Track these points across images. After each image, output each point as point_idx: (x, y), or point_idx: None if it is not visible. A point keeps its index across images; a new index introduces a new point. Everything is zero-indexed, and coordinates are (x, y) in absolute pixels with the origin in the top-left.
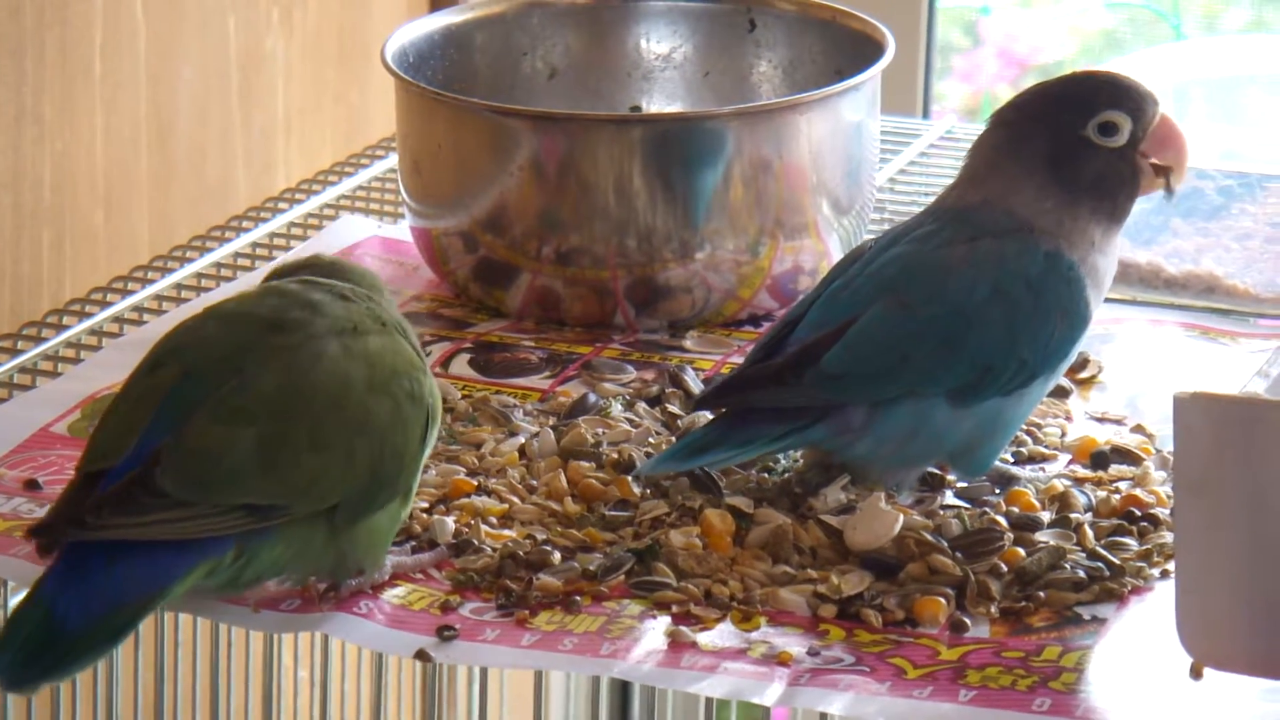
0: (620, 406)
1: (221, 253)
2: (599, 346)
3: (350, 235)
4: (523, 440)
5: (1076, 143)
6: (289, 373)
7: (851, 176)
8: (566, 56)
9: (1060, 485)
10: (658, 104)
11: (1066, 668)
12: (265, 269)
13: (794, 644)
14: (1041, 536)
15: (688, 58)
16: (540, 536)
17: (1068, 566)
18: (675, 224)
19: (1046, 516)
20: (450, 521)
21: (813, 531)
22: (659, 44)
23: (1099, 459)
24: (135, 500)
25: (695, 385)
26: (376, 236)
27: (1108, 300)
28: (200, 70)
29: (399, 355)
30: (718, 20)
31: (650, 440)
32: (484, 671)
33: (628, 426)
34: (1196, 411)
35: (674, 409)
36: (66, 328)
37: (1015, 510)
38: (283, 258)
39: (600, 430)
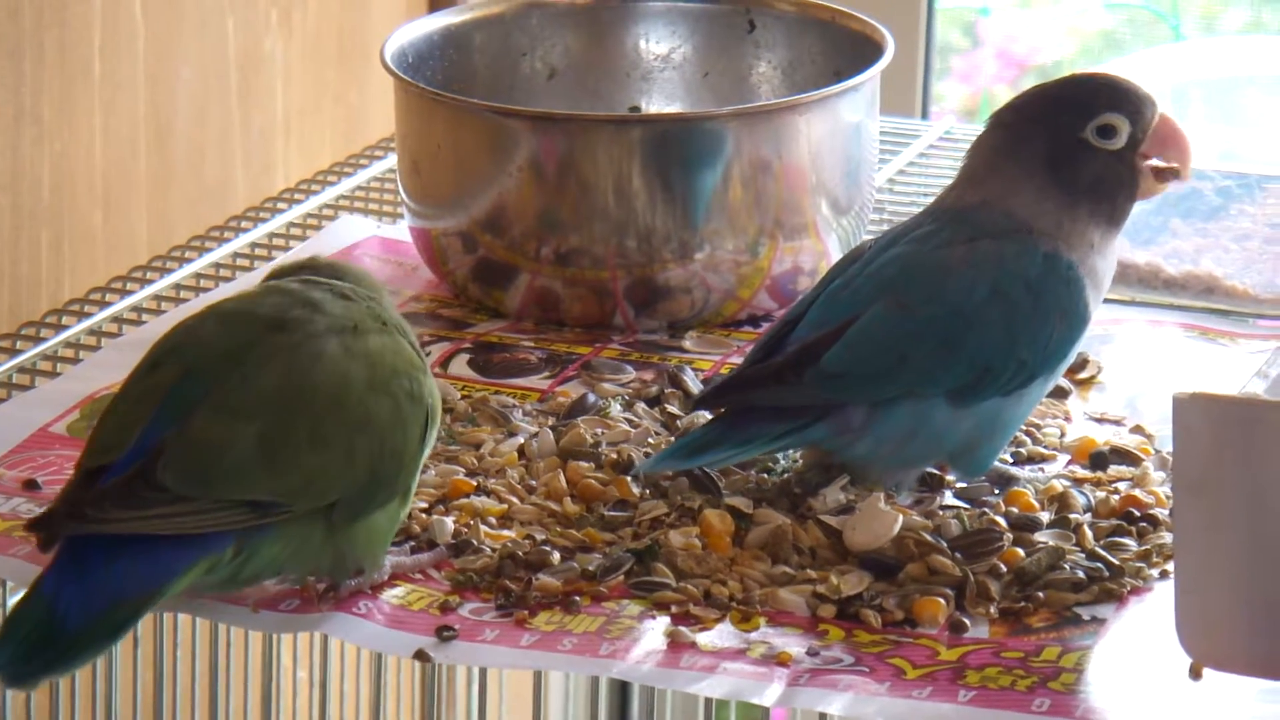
0: (619, 407)
1: (220, 253)
2: (598, 347)
3: (349, 236)
4: (522, 440)
5: (1075, 145)
6: (290, 371)
7: (851, 177)
8: (566, 57)
9: (1059, 486)
10: (657, 104)
11: (1066, 668)
12: (264, 269)
13: (793, 644)
14: (1041, 537)
15: (687, 58)
16: (539, 537)
17: (1067, 567)
18: (674, 224)
19: (1046, 517)
20: (449, 522)
21: (812, 532)
22: (658, 44)
23: (1098, 459)
24: (136, 494)
25: (694, 386)
26: (376, 237)
27: (1107, 301)
28: (199, 71)
29: (399, 355)
30: (717, 21)
31: (649, 440)
32: (483, 672)
33: (627, 427)
34: (1196, 412)
35: (673, 409)
36: (65, 328)
37: (1014, 511)
38: (281, 259)
39: (599, 430)
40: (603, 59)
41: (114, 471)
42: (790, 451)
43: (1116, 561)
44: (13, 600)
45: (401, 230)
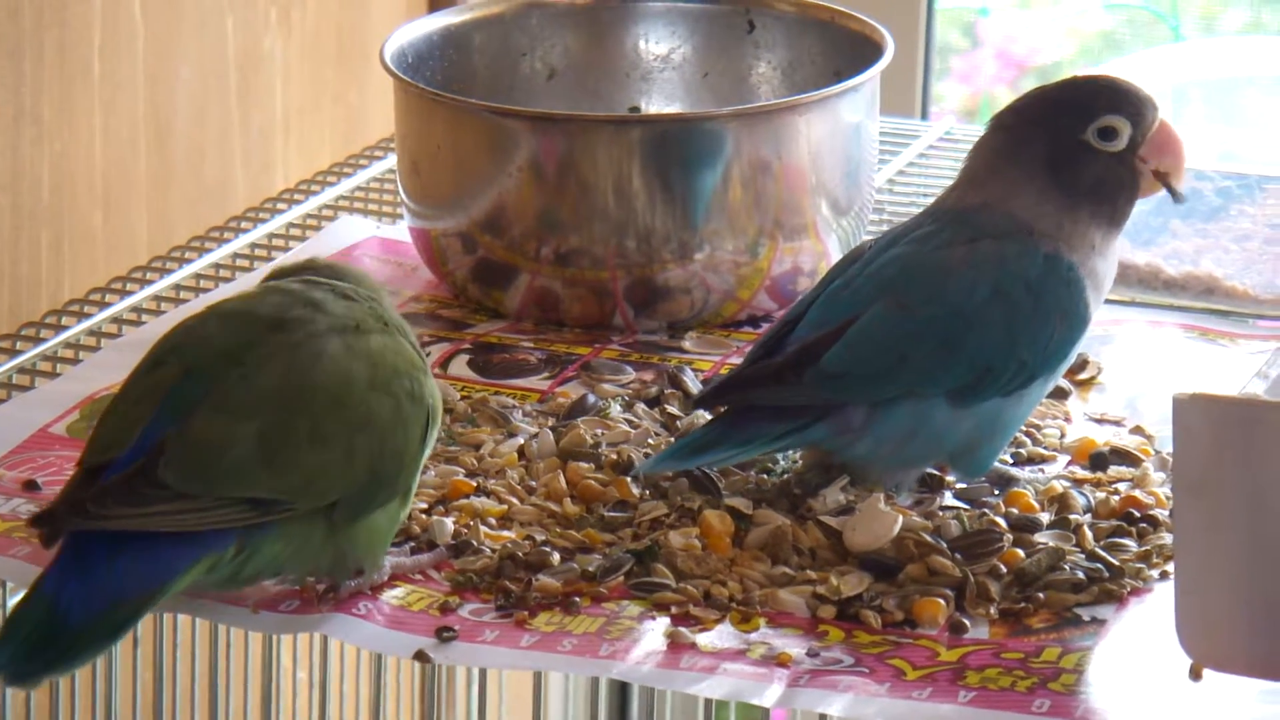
0: (619, 407)
1: (220, 253)
2: (598, 347)
3: (349, 236)
4: (522, 441)
5: (1076, 147)
6: (291, 369)
7: (850, 177)
8: (565, 57)
9: (1059, 486)
10: (656, 105)
11: (1066, 669)
12: (264, 270)
13: (793, 645)
14: (1041, 538)
15: (686, 59)
16: (539, 537)
17: (1067, 568)
18: (674, 225)
19: (1046, 518)
20: (449, 522)
21: (812, 532)
22: (658, 45)
23: (1098, 460)
24: (137, 491)
25: (694, 386)
26: (375, 237)
27: (1107, 301)
28: (199, 71)
29: (400, 355)
30: (717, 21)
31: (649, 441)
32: (483, 672)
33: (627, 427)
34: (1196, 413)
35: (673, 410)
36: (65, 328)
37: (1014, 511)
38: (281, 259)
39: (599, 431)
40: (602, 59)
41: (115, 469)
42: (790, 452)
43: (1116, 562)
44: (13, 601)
45: (401, 231)
